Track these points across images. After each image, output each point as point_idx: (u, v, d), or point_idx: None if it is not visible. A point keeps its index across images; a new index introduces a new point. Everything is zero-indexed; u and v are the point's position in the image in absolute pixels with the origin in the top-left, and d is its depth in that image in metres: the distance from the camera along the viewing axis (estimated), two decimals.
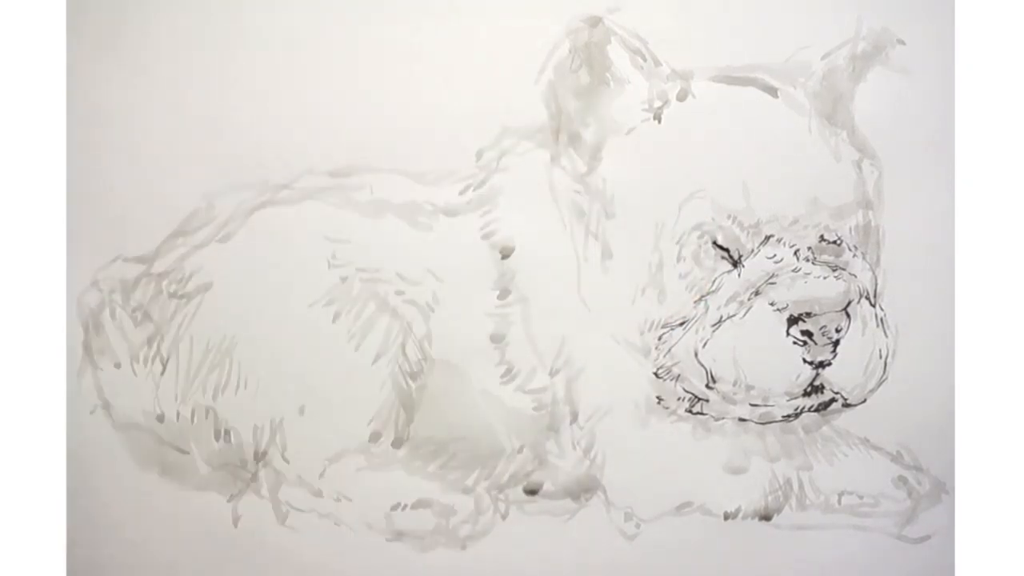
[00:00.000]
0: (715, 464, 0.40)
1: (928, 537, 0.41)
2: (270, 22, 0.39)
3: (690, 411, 0.40)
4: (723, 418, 0.40)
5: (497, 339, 0.39)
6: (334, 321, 0.39)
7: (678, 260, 0.39)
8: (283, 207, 0.39)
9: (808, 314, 0.39)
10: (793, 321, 0.39)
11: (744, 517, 0.40)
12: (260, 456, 0.40)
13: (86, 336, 0.40)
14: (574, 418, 0.40)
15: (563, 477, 0.40)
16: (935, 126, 0.39)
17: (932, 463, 0.41)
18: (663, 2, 0.39)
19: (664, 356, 0.39)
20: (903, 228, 0.40)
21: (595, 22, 0.39)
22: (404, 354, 0.39)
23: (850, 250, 0.39)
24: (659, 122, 0.39)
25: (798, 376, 0.39)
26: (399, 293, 0.39)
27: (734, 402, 0.40)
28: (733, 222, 0.39)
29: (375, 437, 0.40)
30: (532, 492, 0.40)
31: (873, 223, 0.40)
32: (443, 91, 0.39)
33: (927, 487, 0.41)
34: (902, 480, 0.41)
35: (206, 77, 0.39)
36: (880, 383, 0.40)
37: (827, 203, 0.39)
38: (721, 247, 0.39)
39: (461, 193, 0.39)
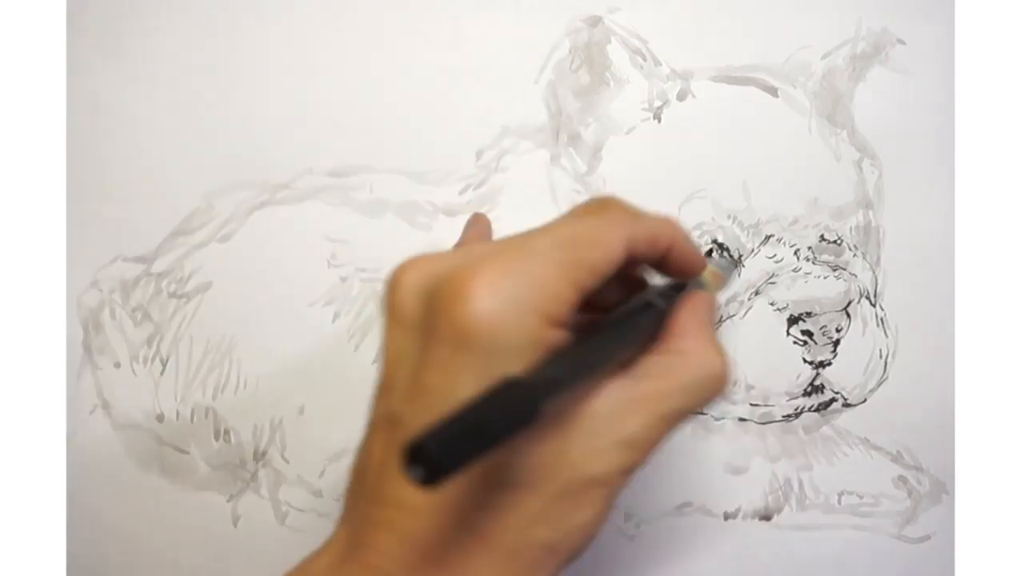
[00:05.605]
0: (715, 464, 0.40)
1: (928, 537, 0.41)
2: (270, 22, 0.39)
3: None
4: (723, 418, 0.40)
5: None
6: (334, 321, 0.39)
7: None
8: (283, 207, 0.39)
9: (808, 314, 0.39)
10: (793, 321, 0.39)
11: (744, 517, 0.40)
12: (260, 456, 0.40)
13: (86, 336, 0.40)
14: None
15: None
16: (935, 126, 0.39)
17: (932, 463, 0.41)
18: (663, 2, 0.39)
19: None
20: (903, 228, 0.40)
21: (595, 22, 0.39)
22: None
23: (850, 250, 0.39)
24: (659, 122, 0.39)
25: (798, 376, 0.39)
26: None
27: (734, 402, 0.40)
28: (733, 222, 0.39)
29: None
30: None
31: (873, 223, 0.40)
32: (443, 91, 0.39)
33: (927, 487, 0.41)
34: (902, 480, 0.41)
35: (206, 77, 0.39)
36: (880, 383, 0.40)
37: (827, 203, 0.39)
38: (721, 246, 0.39)
39: (461, 193, 0.39)
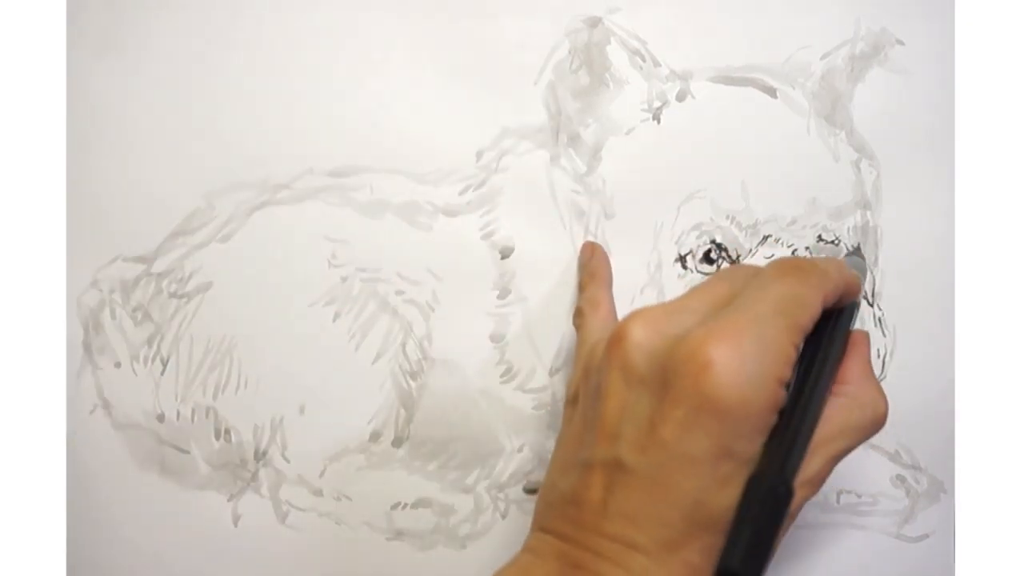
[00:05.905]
0: None
1: (926, 536, 0.41)
2: (270, 22, 0.39)
3: None
4: None
5: (497, 339, 0.39)
6: (334, 321, 0.39)
7: (676, 260, 0.39)
8: (283, 207, 0.39)
9: None
10: None
11: None
12: (260, 455, 0.40)
13: (86, 336, 0.40)
14: None
15: None
16: (934, 126, 0.40)
17: (930, 462, 0.41)
18: (663, 3, 0.39)
19: None
20: (902, 228, 0.40)
21: (595, 23, 0.39)
22: (404, 354, 0.39)
23: (848, 250, 0.39)
24: (658, 122, 0.39)
25: None
26: (399, 293, 0.39)
27: None
28: (732, 222, 0.39)
29: (375, 436, 0.40)
30: (532, 491, 0.40)
31: (871, 223, 0.40)
32: (443, 91, 0.39)
33: (925, 486, 0.41)
34: (900, 479, 0.41)
35: (206, 77, 0.39)
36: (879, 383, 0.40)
37: (825, 203, 0.39)
38: (720, 246, 0.39)
39: (461, 193, 0.39)
